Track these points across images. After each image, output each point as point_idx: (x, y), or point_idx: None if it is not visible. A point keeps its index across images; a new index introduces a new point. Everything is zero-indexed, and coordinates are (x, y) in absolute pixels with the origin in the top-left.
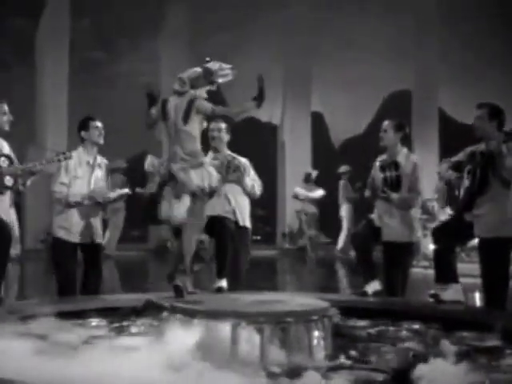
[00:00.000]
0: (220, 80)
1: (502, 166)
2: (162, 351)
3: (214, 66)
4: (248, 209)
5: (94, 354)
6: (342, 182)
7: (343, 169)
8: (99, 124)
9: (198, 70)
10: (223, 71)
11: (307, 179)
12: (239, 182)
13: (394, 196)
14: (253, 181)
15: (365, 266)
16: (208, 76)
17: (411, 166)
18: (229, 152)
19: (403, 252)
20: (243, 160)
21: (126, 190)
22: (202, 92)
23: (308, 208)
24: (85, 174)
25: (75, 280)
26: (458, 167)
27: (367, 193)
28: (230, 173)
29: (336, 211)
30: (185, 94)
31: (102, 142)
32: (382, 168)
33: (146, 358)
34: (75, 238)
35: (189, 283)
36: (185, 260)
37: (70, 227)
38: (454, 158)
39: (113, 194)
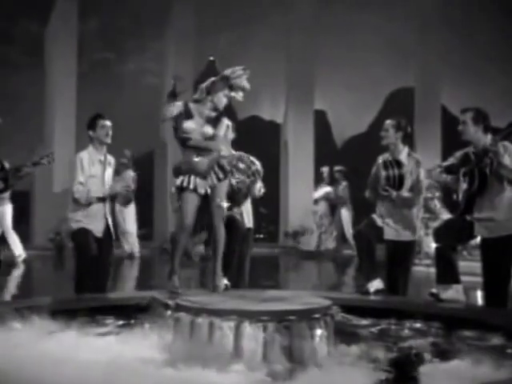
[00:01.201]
0: (237, 82)
1: (500, 164)
2: (165, 349)
3: (226, 71)
4: (251, 208)
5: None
6: (342, 184)
7: (337, 168)
8: (107, 123)
9: (213, 78)
10: (236, 73)
11: (320, 178)
12: (252, 186)
13: (396, 194)
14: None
15: (367, 265)
16: (224, 80)
17: (413, 164)
18: (233, 151)
19: (405, 250)
20: (257, 162)
21: (131, 184)
22: (219, 97)
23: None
24: (98, 172)
25: (93, 270)
26: (451, 171)
27: (368, 192)
28: (248, 177)
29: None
30: (203, 100)
31: (108, 141)
32: (385, 166)
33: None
34: (94, 232)
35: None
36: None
37: (89, 222)
38: (446, 163)
39: (119, 186)
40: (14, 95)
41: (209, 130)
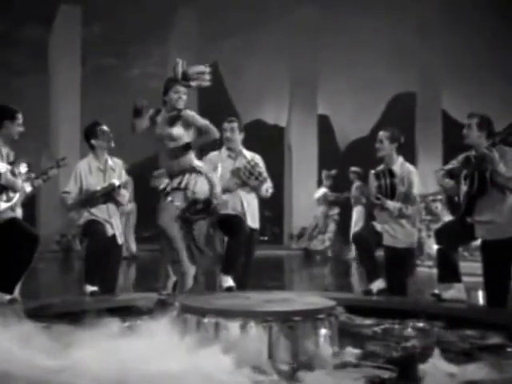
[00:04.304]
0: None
1: (496, 172)
2: (171, 349)
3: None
4: (257, 209)
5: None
6: (355, 184)
7: (354, 169)
8: (106, 128)
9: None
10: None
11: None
12: (258, 187)
13: (389, 203)
14: (266, 184)
15: (368, 265)
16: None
17: (406, 173)
18: (244, 150)
19: (402, 257)
20: (260, 161)
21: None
22: (170, 96)
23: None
24: (97, 180)
25: (104, 260)
26: (453, 174)
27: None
28: (251, 179)
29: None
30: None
31: (113, 145)
32: (377, 176)
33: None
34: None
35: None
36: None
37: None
38: (448, 166)
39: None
40: (18, 100)
41: (174, 130)
